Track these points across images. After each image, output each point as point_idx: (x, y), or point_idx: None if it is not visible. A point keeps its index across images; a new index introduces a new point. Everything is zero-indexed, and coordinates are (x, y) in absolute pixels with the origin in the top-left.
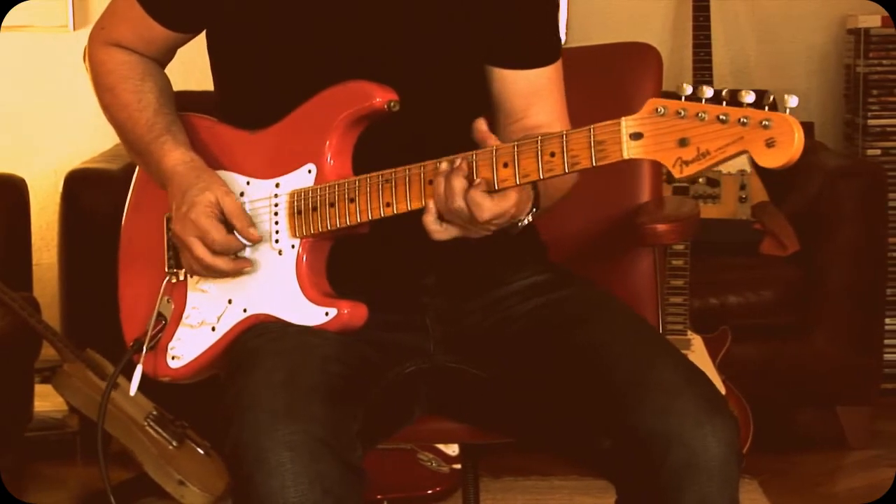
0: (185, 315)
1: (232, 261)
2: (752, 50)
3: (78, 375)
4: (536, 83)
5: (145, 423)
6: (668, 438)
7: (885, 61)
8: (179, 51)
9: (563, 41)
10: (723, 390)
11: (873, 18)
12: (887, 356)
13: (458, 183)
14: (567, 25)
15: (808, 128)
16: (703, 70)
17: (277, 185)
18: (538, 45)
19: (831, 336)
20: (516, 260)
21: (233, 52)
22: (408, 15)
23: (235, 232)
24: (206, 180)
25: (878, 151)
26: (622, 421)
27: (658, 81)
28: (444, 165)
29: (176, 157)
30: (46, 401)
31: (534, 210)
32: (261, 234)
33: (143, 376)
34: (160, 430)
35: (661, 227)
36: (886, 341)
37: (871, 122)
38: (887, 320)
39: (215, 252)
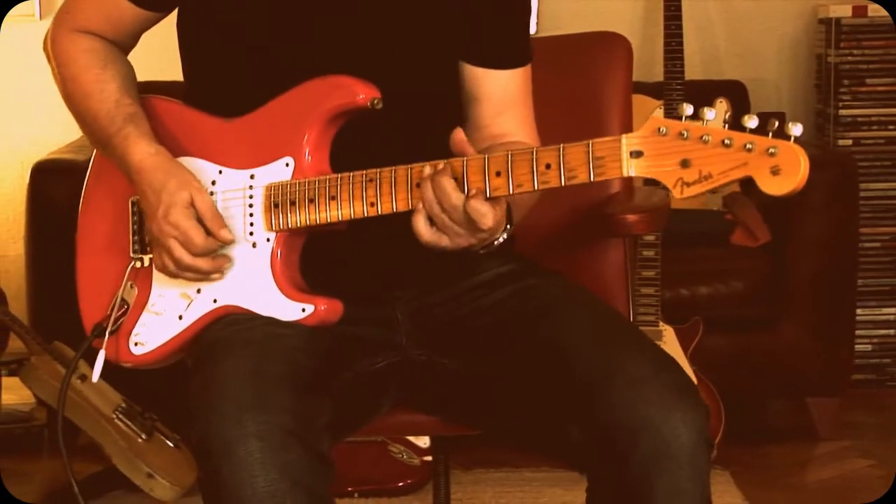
0: (150, 302)
1: (212, 260)
2: (722, 40)
3: (45, 368)
4: (506, 88)
5: (114, 416)
6: (637, 427)
7: (856, 51)
8: (143, 39)
9: (533, 31)
10: (695, 381)
11: (844, 8)
12: (858, 347)
13: (448, 183)
14: (538, 15)
15: (778, 118)
16: (674, 60)
17: (252, 177)
18: (509, 46)
19: (802, 327)
20: None
21: (205, 35)
22: (387, 5)
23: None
24: (178, 177)
25: (850, 142)
26: (591, 411)
27: (628, 71)
28: (427, 169)
29: (141, 149)
30: (13, 394)
31: (508, 227)
32: (233, 227)
33: (109, 365)
34: (129, 423)
35: (631, 217)
36: (857, 332)
37: (843, 112)
38: (858, 311)
39: (195, 254)
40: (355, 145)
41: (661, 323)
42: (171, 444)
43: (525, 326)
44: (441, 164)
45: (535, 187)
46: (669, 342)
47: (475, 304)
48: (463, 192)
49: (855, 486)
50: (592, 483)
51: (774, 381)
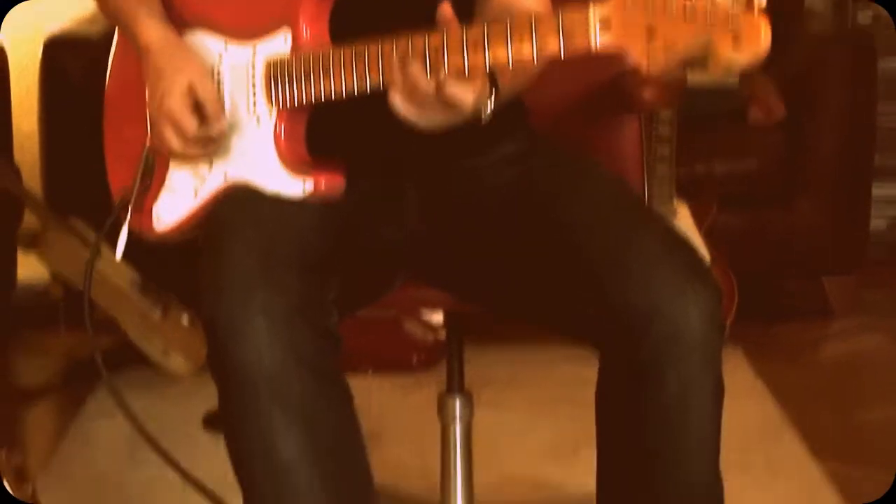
0: (167, 178)
1: (203, 147)
2: None
3: (61, 243)
4: None
5: (130, 292)
6: (648, 311)
7: None
8: None
9: None
10: (708, 259)
11: None
12: (874, 224)
13: (418, 70)
14: None
15: None
16: None
17: (255, 52)
18: None
19: (817, 204)
20: (497, 124)
21: None
22: None
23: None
24: (180, 59)
25: (869, 19)
26: (602, 293)
27: None
28: (395, 58)
29: (149, 32)
30: (29, 269)
31: (493, 90)
32: (238, 103)
33: (128, 242)
34: (145, 299)
35: (646, 92)
36: (873, 210)
37: None
38: (874, 188)
39: (187, 141)
40: (359, 13)
41: (675, 200)
42: (185, 321)
43: (535, 207)
44: (417, 40)
45: (510, 62)
46: (684, 219)
47: (486, 182)
48: (438, 70)
49: (868, 363)
50: (604, 363)
51: (789, 258)
